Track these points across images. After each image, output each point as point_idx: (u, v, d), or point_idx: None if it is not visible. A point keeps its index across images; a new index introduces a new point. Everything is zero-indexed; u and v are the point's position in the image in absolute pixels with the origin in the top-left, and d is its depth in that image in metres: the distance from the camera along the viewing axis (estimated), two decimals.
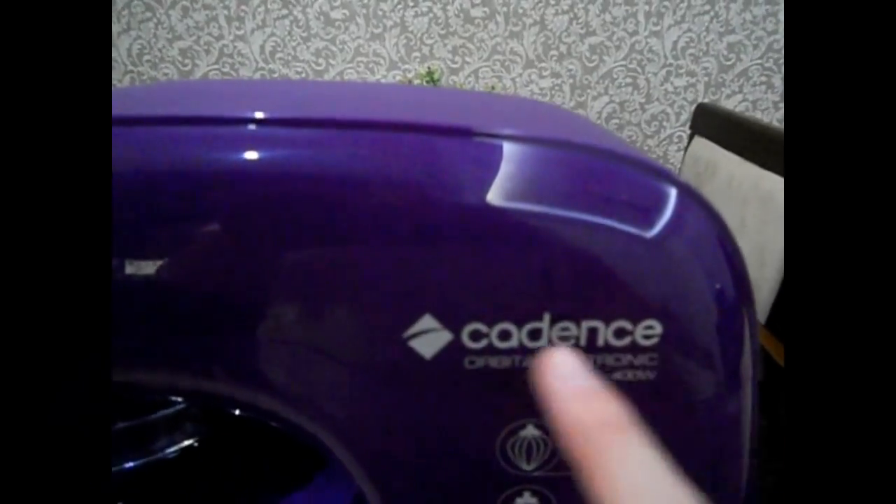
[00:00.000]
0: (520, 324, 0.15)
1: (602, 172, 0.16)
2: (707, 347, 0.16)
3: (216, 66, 1.21)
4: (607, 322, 0.15)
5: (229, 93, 0.21)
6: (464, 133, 0.15)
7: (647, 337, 0.15)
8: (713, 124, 0.92)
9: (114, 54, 1.21)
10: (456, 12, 1.17)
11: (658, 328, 0.15)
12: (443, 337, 0.15)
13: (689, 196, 0.16)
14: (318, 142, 0.15)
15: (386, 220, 0.14)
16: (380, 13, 1.17)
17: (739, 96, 1.21)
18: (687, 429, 0.16)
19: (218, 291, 0.15)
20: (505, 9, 1.16)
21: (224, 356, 0.15)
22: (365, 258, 0.14)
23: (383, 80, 1.22)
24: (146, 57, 1.22)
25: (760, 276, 0.73)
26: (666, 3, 1.15)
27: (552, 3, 1.15)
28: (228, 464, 0.22)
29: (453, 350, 0.15)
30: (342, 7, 1.17)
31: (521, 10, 1.16)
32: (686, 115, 1.23)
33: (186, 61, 1.21)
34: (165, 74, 1.22)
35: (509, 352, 0.15)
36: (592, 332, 0.15)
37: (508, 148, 0.15)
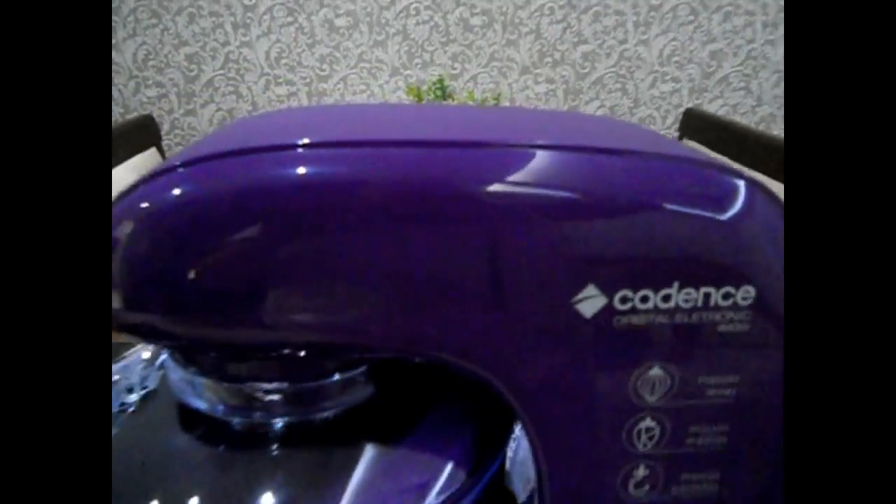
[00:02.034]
0: (656, 290, 0.20)
1: (691, 175, 0.21)
2: (780, 313, 0.22)
3: (222, 72, 1.24)
4: (717, 287, 0.20)
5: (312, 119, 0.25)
6: (599, 151, 0.21)
7: (744, 299, 0.20)
8: (700, 127, 1.00)
9: (119, 59, 1.23)
10: (456, 21, 1.22)
11: (752, 292, 0.20)
12: (600, 301, 0.20)
13: (757, 187, 0.22)
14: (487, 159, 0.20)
15: (572, 217, 0.20)
16: (383, 21, 1.22)
17: (721, 100, 1.30)
18: (770, 373, 0.22)
19: (424, 273, 0.20)
20: (502, 18, 1.22)
21: (432, 330, 0.20)
22: (550, 242, 0.20)
23: (385, 86, 1.26)
24: (151, 62, 1.24)
25: None
26: (653, 14, 1.22)
27: (547, 13, 1.22)
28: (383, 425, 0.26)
29: (606, 311, 0.20)
30: (346, 15, 1.21)
31: (517, 20, 1.22)
32: (672, 119, 1.31)
33: (192, 66, 1.24)
34: (171, 79, 1.25)
35: (647, 311, 0.20)
36: (707, 296, 0.20)
37: (636, 162, 0.21)
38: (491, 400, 0.24)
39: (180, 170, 0.20)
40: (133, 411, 0.24)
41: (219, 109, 1.26)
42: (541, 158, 0.20)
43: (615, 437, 0.22)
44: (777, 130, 1.28)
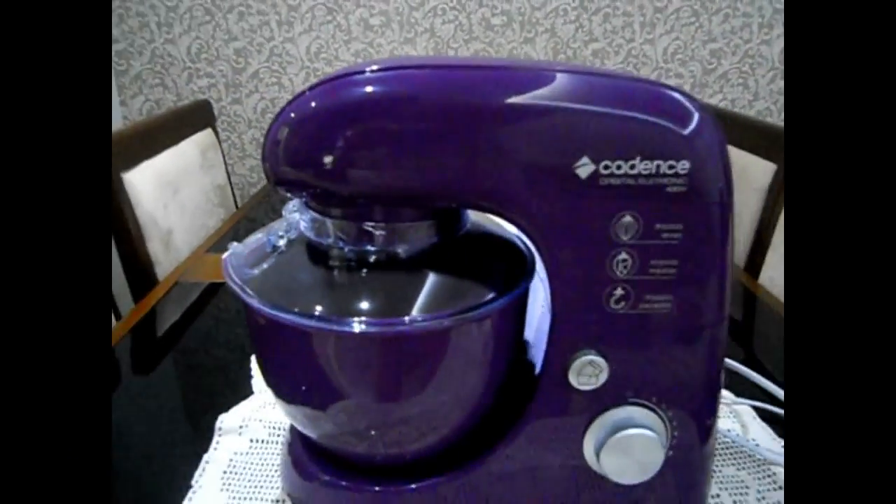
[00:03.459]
0: (626, 160, 0.32)
1: (662, 97, 0.33)
2: (709, 182, 0.33)
3: (266, 64, 1.38)
4: (665, 160, 0.32)
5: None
6: (604, 75, 0.33)
7: (683, 168, 0.32)
8: None
9: (174, 52, 1.37)
10: (478, 21, 1.34)
11: (687, 165, 0.32)
12: (591, 167, 0.32)
13: (706, 111, 0.33)
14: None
15: (577, 115, 0.31)
16: (412, 20, 1.34)
17: (720, 95, 1.41)
18: (703, 225, 0.33)
19: (474, 147, 0.31)
20: (521, 18, 1.34)
21: (478, 182, 0.32)
22: (563, 130, 0.31)
23: None
24: (203, 55, 1.37)
25: (738, 233, 0.91)
26: (658, 15, 1.34)
27: (561, 13, 1.34)
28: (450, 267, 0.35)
29: (595, 174, 0.32)
30: (380, 14, 1.34)
31: (534, 20, 1.34)
32: None
33: (240, 59, 1.38)
34: (220, 70, 1.38)
35: (620, 175, 0.32)
36: (658, 166, 0.32)
37: (625, 83, 0.33)
38: (518, 250, 0.35)
39: (307, 93, 0.32)
40: (282, 251, 0.36)
41: (262, 98, 1.39)
42: (562, 78, 0.32)
43: (601, 266, 0.34)
44: (772, 123, 1.39)
